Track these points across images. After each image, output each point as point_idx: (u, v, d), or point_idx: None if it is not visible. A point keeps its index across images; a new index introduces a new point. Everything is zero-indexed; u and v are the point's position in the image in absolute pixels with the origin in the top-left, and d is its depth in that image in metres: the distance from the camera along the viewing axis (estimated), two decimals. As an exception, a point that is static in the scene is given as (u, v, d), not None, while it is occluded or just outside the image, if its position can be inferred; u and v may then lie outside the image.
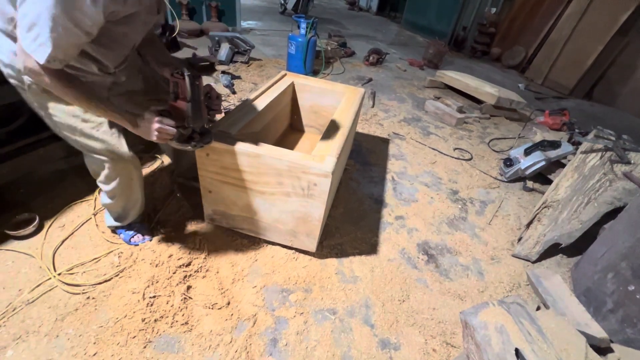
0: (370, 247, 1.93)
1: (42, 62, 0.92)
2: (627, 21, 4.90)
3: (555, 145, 2.72)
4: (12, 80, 1.15)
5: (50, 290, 1.43)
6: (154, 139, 1.16)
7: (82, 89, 1.07)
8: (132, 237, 1.66)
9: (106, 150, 1.30)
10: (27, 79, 1.10)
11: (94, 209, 1.84)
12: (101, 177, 1.42)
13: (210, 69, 3.89)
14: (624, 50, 5.15)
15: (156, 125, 1.13)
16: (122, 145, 1.32)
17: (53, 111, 1.19)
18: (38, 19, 0.86)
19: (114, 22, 1.03)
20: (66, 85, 1.02)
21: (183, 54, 4.25)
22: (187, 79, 1.13)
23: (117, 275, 1.52)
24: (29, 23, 0.88)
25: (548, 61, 5.77)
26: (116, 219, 1.63)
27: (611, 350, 1.47)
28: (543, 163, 2.65)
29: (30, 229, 1.62)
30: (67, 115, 1.20)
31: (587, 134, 2.88)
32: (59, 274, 1.48)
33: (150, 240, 1.68)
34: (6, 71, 1.12)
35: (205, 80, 3.53)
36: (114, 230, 1.70)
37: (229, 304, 1.49)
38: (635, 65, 5.09)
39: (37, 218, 1.66)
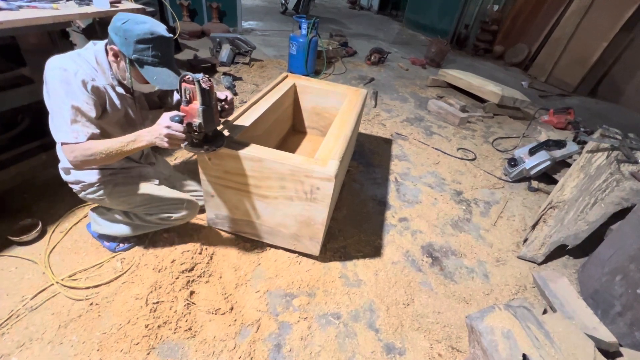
0: (374, 249, 1.91)
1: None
2: (631, 17, 4.84)
3: (560, 144, 2.69)
4: (91, 195, 1.44)
5: (53, 296, 1.42)
6: (165, 145, 1.16)
7: (100, 144, 1.19)
8: (117, 245, 1.66)
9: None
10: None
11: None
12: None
13: (211, 71, 3.88)
14: (628, 47, 5.08)
15: (165, 131, 1.14)
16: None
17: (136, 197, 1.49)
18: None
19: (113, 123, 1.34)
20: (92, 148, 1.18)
21: (184, 55, 4.26)
22: (197, 84, 1.13)
23: (120, 281, 1.52)
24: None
25: (552, 58, 5.72)
26: (108, 237, 1.66)
27: (620, 355, 1.45)
28: (548, 163, 2.62)
29: (33, 234, 1.62)
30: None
31: (593, 132, 2.85)
32: (62, 280, 1.48)
33: (134, 245, 1.69)
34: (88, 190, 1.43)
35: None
36: (97, 237, 1.69)
37: (232, 309, 1.48)
38: (640, 62, 5.03)
39: (40, 223, 1.66)
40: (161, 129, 1.14)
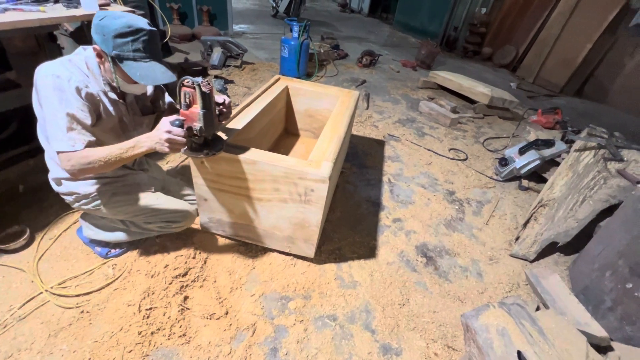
0: (368, 250, 1.92)
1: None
2: (614, 20, 4.98)
3: (549, 144, 2.74)
4: (89, 206, 1.41)
5: (42, 305, 1.39)
6: (166, 150, 1.14)
7: (99, 151, 1.16)
8: (109, 251, 1.63)
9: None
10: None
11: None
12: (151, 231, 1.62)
13: (202, 74, 3.86)
14: (612, 48, 5.22)
15: (165, 136, 1.12)
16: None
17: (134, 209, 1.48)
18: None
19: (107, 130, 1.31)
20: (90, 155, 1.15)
21: (175, 58, 4.22)
22: (197, 88, 1.12)
23: (111, 288, 1.49)
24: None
25: (539, 60, 5.83)
26: (99, 243, 1.63)
27: (611, 349, 1.47)
28: (538, 162, 2.67)
29: (20, 242, 1.58)
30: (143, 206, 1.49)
31: (580, 132, 2.91)
32: (51, 288, 1.44)
33: (127, 250, 1.66)
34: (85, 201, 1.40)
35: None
36: (88, 243, 1.66)
37: (227, 313, 1.46)
38: (623, 62, 5.17)
39: (28, 230, 1.62)
40: (161, 134, 1.12)
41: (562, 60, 5.55)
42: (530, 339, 1.29)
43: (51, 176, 1.37)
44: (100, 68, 1.22)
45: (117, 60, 1.13)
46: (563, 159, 2.63)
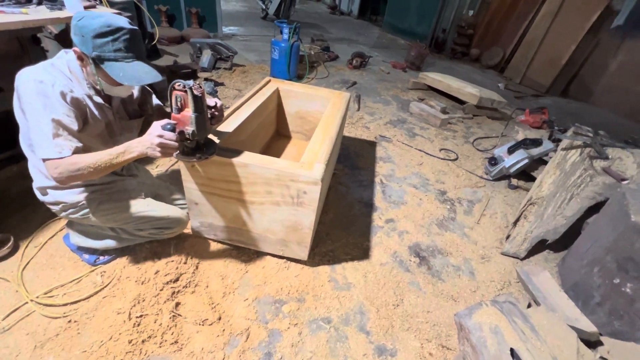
0: (362, 252, 1.92)
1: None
2: (597, 21, 5.11)
3: (537, 143, 2.79)
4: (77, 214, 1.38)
5: (27, 315, 1.35)
6: (158, 155, 1.11)
7: (88, 157, 1.12)
8: (97, 258, 1.59)
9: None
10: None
11: (74, 226, 1.75)
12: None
13: (192, 77, 3.82)
14: (595, 49, 5.36)
15: (157, 140, 1.08)
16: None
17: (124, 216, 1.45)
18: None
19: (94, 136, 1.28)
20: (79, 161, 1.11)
21: (164, 61, 4.17)
22: (189, 91, 1.10)
23: (100, 296, 1.46)
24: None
25: (525, 61, 5.95)
26: (87, 250, 1.59)
27: (601, 343, 1.50)
28: (526, 161, 2.71)
29: (4, 250, 1.53)
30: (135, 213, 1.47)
31: (566, 131, 2.97)
32: (37, 298, 1.40)
33: (116, 257, 1.62)
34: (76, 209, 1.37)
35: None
36: (75, 250, 1.62)
37: (220, 319, 1.44)
38: (606, 63, 5.31)
39: (12, 239, 1.57)
40: (153, 138, 1.09)
41: (547, 61, 5.67)
42: (523, 336, 1.30)
43: (35, 185, 1.33)
44: (83, 71, 1.18)
45: (98, 61, 1.10)
46: (551, 157, 2.68)
